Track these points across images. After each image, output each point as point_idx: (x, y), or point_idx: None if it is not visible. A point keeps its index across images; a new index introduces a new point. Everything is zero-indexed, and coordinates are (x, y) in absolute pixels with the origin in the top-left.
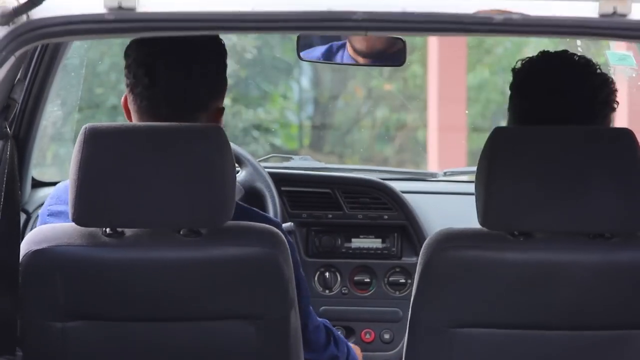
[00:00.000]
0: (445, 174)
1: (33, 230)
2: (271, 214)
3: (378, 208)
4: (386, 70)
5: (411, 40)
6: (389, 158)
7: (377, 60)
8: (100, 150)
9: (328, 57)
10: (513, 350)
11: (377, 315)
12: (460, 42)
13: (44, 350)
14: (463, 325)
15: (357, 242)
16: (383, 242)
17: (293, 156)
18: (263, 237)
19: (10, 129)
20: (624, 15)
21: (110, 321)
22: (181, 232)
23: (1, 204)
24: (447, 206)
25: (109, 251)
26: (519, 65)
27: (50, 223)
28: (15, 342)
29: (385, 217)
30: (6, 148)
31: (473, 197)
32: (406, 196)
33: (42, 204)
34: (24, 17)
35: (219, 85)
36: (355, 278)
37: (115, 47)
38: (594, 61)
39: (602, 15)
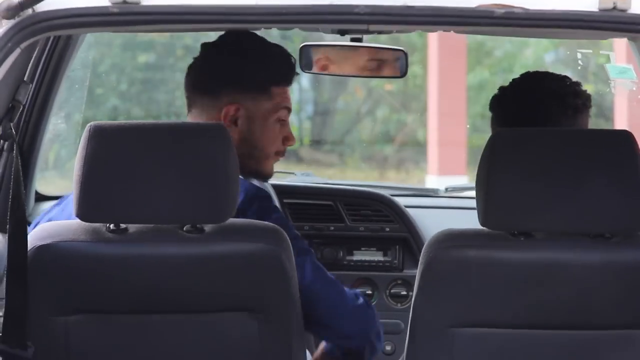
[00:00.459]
0: (446, 190)
1: (37, 227)
2: None
3: (380, 220)
4: None
5: (411, 40)
6: (389, 158)
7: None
8: (105, 147)
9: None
10: (513, 350)
11: None
12: (460, 43)
13: (47, 345)
14: (464, 324)
15: (359, 255)
16: (384, 254)
17: (295, 172)
18: (266, 234)
19: (15, 134)
20: (624, 10)
21: (113, 315)
22: (184, 229)
23: (10, 202)
24: (449, 220)
25: (113, 247)
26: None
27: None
28: (26, 337)
29: (387, 229)
30: (11, 148)
31: (474, 212)
32: (408, 210)
33: None
34: (29, 11)
35: None
36: (357, 290)
37: (115, 48)
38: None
39: (602, 10)
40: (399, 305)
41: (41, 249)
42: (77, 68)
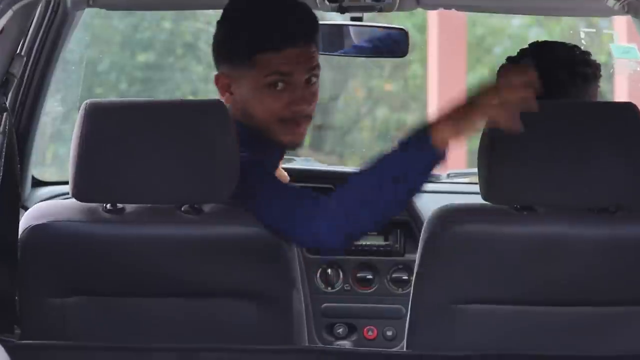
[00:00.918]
0: (448, 175)
1: (33, 207)
2: None
3: None
4: (386, 70)
5: (411, 40)
6: None
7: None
8: (101, 125)
9: (328, 48)
10: (516, 326)
11: (379, 312)
12: (460, 41)
13: (43, 327)
14: (465, 301)
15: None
16: (385, 239)
17: (295, 157)
18: None
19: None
20: None
21: (110, 297)
22: (182, 209)
23: (1, 176)
24: None
25: (109, 227)
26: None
27: None
28: (13, 321)
29: None
30: (5, 122)
31: (476, 197)
32: None
33: (41, 202)
34: None
35: None
36: (358, 275)
37: (114, 47)
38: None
39: None
40: (400, 290)
41: (36, 229)
42: (73, 50)
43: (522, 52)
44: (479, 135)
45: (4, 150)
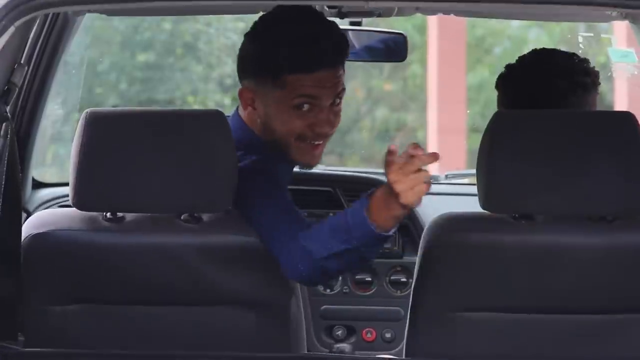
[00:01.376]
0: (447, 176)
1: (34, 215)
2: None
3: None
4: (386, 70)
5: (411, 40)
6: None
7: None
8: (101, 134)
9: None
10: (515, 334)
11: (378, 315)
12: (459, 41)
13: (44, 334)
14: (464, 309)
15: None
16: None
17: None
18: None
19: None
20: None
21: (110, 305)
22: (182, 218)
23: (3, 187)
24: (449, 206)
25: (109, 236)
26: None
27: None
28: (17, 328)
29: None
30: (7, 130)
31: (474, 198)
32: None
33: (42, 204)
34: None
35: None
36: (357, 277)
37: (115, 47)
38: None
39: None
40: (398, 292)
41: (37, 238)
42: (74, 53)
43: (521, 59)
44: (479, 135)
45: (5, 156)
